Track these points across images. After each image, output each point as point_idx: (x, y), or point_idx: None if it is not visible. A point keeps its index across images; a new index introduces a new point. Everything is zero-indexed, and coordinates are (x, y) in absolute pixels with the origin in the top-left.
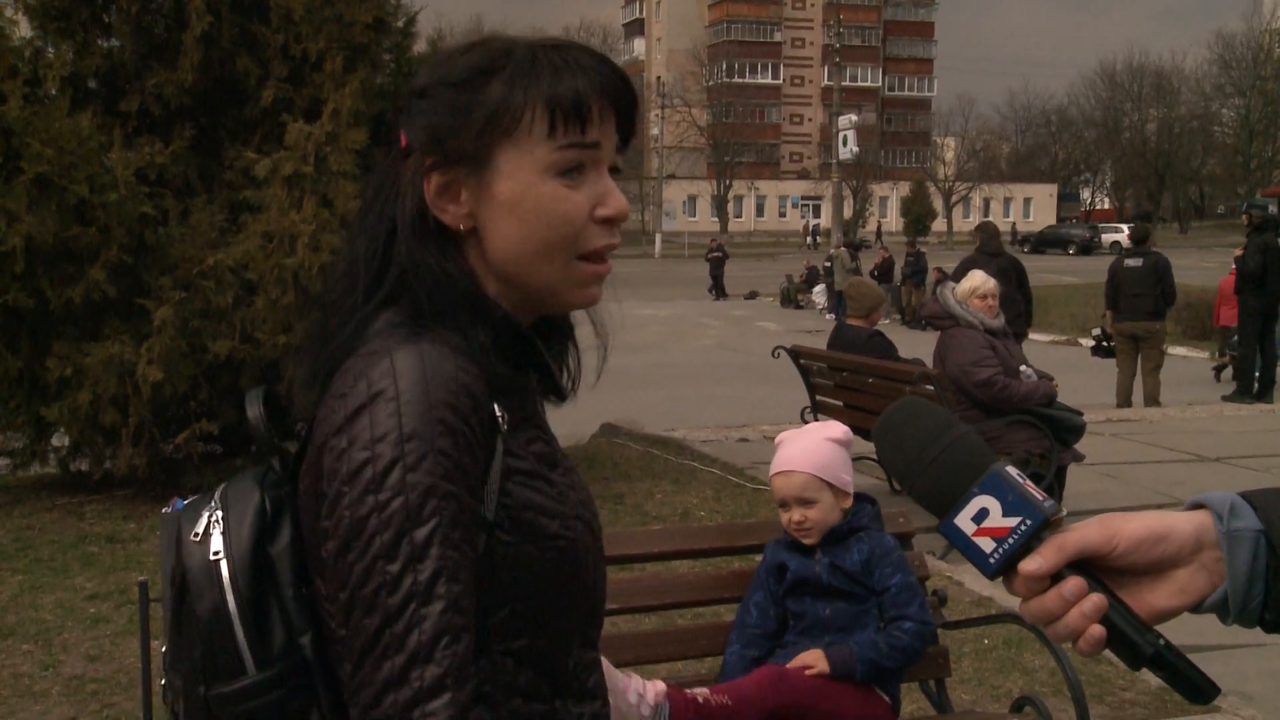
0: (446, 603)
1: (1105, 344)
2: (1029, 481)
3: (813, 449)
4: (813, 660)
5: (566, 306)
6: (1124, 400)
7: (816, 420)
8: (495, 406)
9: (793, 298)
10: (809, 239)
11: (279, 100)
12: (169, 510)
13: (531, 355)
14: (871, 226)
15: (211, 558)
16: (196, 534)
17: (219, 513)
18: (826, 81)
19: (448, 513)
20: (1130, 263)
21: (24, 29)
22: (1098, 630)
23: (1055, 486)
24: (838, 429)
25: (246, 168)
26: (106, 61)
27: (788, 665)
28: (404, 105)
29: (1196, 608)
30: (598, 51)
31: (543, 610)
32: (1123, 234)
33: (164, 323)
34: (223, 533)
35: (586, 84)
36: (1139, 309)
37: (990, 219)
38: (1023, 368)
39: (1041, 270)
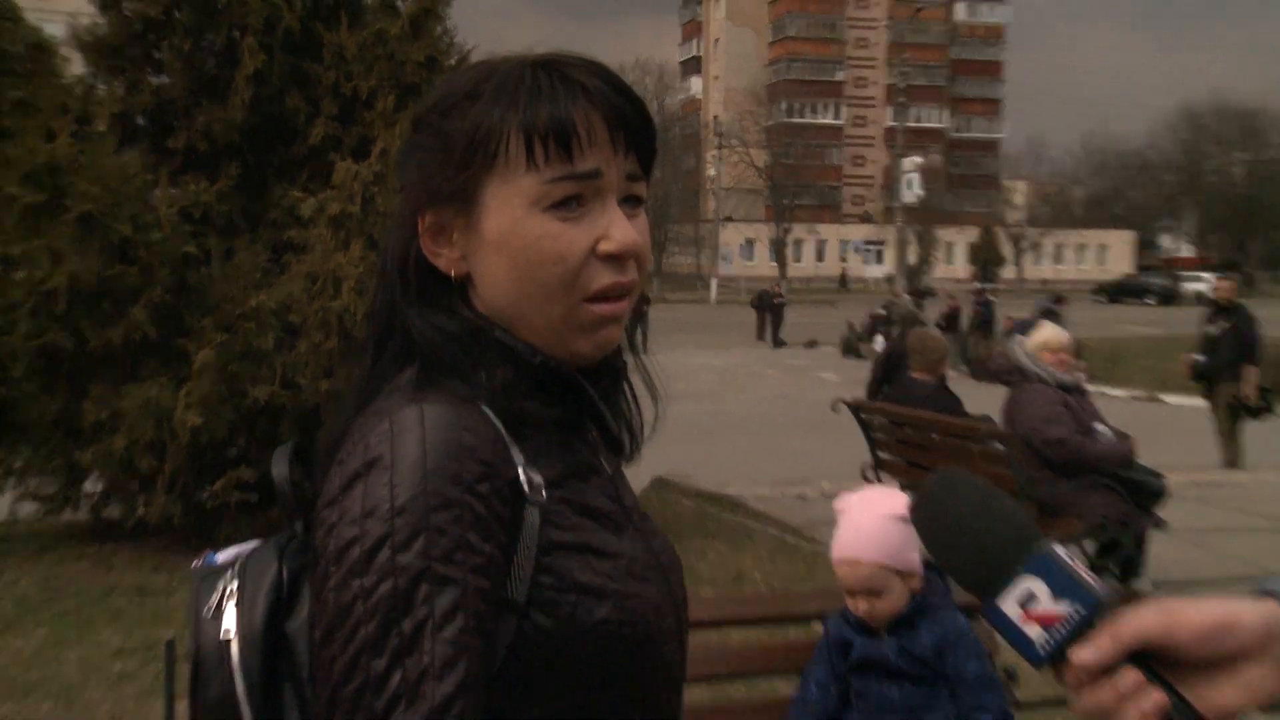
0: (429, 706)
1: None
2: (1079, 563)
3: (879, 534)
4: None
5: (577, 355)
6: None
7: (879, 479)
8: (520, 472)
9: (854, 347)
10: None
11: (328, 138)
12: (199, 564)
13: (580, 403)
14: (938, 273)
15: (222, 637)
16: (210, 608)
17: (234, 584)
18: (890, 122)
19: (443, 601)
20: None
21: (77, 66)
22: None
23: (1135, 556)
24: (903, 502)
25: (292, 206)
26: (155, 98)
27: None
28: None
29: (1267, 706)
30: (601, 66)
31: (588, 708)
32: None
33: (204, 366)
34: (236, 606)
35: (576, 105)
36: None
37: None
38: (1098, 426)
39: (1118, 321)
